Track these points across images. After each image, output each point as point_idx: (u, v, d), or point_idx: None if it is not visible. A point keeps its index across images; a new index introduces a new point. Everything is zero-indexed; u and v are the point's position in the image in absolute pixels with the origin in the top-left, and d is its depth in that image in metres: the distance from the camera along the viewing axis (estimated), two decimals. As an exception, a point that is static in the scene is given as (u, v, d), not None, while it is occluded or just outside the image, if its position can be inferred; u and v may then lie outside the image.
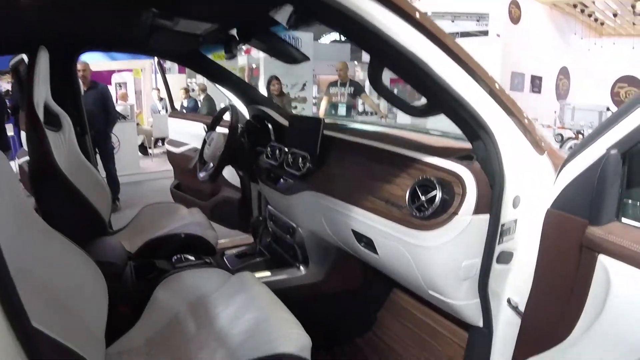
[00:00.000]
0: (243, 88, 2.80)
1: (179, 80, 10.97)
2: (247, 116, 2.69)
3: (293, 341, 1.35)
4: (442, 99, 1.24)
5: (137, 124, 8.82)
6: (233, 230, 3.47)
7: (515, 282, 1.43)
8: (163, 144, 9.08)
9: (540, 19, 11.99)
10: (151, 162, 8.90)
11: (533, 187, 1.37)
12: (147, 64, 11.42)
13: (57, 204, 1.92)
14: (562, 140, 9.95)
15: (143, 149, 9.52)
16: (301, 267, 2.28)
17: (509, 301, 1.46)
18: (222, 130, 2.47)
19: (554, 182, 1.26)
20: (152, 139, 9.53)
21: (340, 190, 1.73)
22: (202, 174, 2.44)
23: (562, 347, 1.24)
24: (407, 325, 2.21)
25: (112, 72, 11.49)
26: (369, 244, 1.63)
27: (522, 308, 1.41)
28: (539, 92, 12.53)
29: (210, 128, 2.55)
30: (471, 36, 12.23)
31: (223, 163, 2.27)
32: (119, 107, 7.73)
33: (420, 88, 1.30)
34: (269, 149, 2.27)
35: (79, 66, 4.91)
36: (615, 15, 11.96)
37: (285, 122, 2.38)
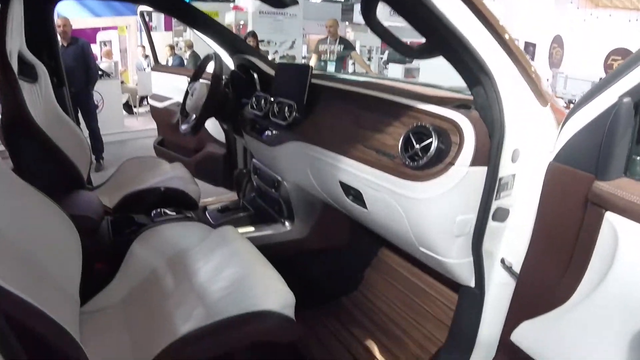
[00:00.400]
0: (228, 37, 2.66)
1: (165, 38, 10.65)
2: (233, 67, 2.56)
3: (276, 298, 1.27)
4: (443, 39, 1.14)
5: (122, 82, 8.59)
6: (218, 188, 3.38)
7: (510, 241, 1.35)
8: (148, 102, 8.87)
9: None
10: (136, 121, 8.71)
11: (533, 141, 1.28)
12: (132, 21, 11.08)
13: (30, 157, 1.81)
14: (555, 110, 9.87)
15: (128, 107, 9.31)
16: (286, 223, 2.20)
17: (502, 261, 1.39)
18: (206, 81, 2.34)
19: (558, 134, 1.17)
20: (137, 97, 9.29)
21: (328, 139, 1.63)
22: (183, 126, 2.32)
23: (560, 312, 1.16)
24: (395, 284, 2.15)
25: (97, 30, 11.17)
26: (357, 197, 1.54)
27: (516, 269, 1.34)
28: (532, 59, 12.39)
29: (193, 79, 2.42)
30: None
31: (205, 114, 2.15)
32: (102, 65, 7.57)
33: (420, 25, 1.20)
34: (253, 99, 2.15)
35: (58, 21, 4.90)
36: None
37: (271, 72, 2.26)
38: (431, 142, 1.24)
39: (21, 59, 1.96)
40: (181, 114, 2.43)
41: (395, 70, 13.83)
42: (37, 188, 1.32)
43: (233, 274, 1.37)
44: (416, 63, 14.27)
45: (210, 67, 2.42)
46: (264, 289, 1.29)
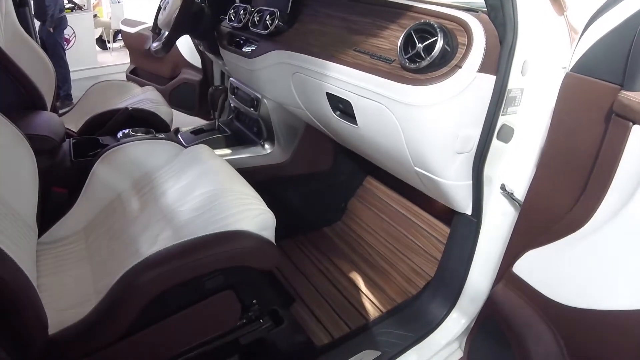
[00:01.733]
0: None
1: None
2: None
3: (253, 218, 1.11)
4: None
5: (95, 16, 8.16)
6: (194, 118, 3.19)
7: (512, 165, 1.24)
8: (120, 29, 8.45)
9: None
10: (110, 56, 8.33)
11: (545, 53, 1.16)
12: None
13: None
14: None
15: (101, 42, 8.88)
16: (266, 145, 2.03)
17: (502, 188, 1.27)
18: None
19: (576, 43, 1.03)
20: (111, 31, 8.86)
21: (314, 47, 1.46)
22: (154, 44, 2.10)
23: (572, 240, 1.03)
24: (381, 215, 2.04)
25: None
26: (345, 111, 1.40)
27: (518, 196, 1.23)
28: None
29: None
30: None
31: (178, 29, 1.93)
32: (72, -2, 7.13)
33: None
34: (232, 10, 1.95)
35: None
36: None
37: None
38: (435, 41, 1.08)
39: None
40: (153, 32, 2.21)
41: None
42: None
43: (205, 193, 1.21)
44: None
45: None
46: (240, 207, 1.13)
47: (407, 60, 1.12)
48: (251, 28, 1.75)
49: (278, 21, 1.62)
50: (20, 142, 1.21)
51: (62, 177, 1.51)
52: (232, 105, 2.18)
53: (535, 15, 1.11)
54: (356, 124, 1.36)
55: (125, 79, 3.70)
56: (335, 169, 2.12)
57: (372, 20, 1.32)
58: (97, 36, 8.37)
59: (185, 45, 2.99)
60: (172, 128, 2.08)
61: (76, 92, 5.36)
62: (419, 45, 1.10)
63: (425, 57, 1.09)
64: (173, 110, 2.33)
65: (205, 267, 1.01)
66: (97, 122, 1.85)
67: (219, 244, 1.03)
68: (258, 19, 1.72)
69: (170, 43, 1.96)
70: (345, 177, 2.14)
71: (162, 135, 1.71)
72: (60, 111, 2.41)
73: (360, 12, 1.39)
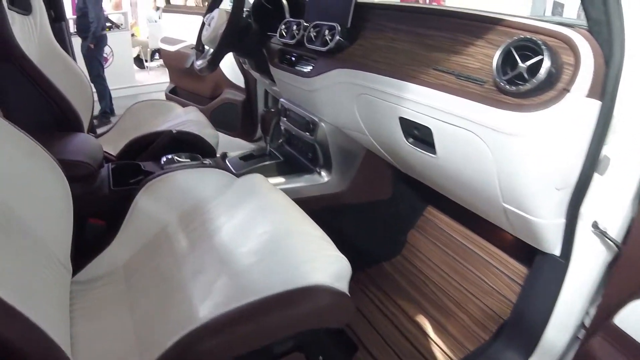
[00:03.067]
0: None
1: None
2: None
3: (327, 267, 0.94)
4: None
5: (132, 35, 8.21)
6: (236, 138, 3.07)
7: (605, 199, 1.05)
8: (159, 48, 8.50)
9: None
10: (148, 75, 8.36)
11: None
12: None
13: (18, 92, 1.51)
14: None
15: (139, 61, 8.94)
16: (322, 173, 1.86)
17: (595, 225, 1.08)
18: (225, 9, 1.99)
19: None
20: (149, 50, 8.92)
21: (383, 64, 1.31)
22: (199, 62, 1.98)
23: None
24: (445, 250, 1.85)
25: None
26: (422, 138, 1.23)
27: (613, 235, 1.05)
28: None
29: (210, 9, 2.06)
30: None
31: (225, 45, 1.80)
32: (112, 17, 7.20)
33: None
34: (283, 26, 1.81)
35: None
36: None
37: None
38: (541, 61, 0.91)
39: None
40: (196, 49, 2.09)
41: None
42: (25, 129, 1.05)
43: (266, 233, 1.04)
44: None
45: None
46: (310, 254, 0.96)
47: (506, 82, 0.95)
48: (307, 44, 1.61)
49: (338, 36, 1.47)
50: (52, 168, 1.08)
51: (99, 208, 1.37)
52: (282, 128, 2.03)
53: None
54: (434, 153, 1.19)
55: (163, 98, 3.63)
56: (395, 198, 1.95)
57: (452, 35, 1.16)
58: (134, 55, 8.43)
59: (227, 63, 2.88)
60: (219, 152, 1.94)
61: (117, 110, 5.46)
62: (522, 65, 0.93)
63: (528, 78, 0.92)
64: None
65: (275, 333, 0.84)
66: (138, 146, 1.72)
67: (292, 305, 0.86)
68: (315, 34, 1.59)
69: (216, 61, 1.83)
70: (404, 206, 1.97)
71: (210, 162, 1.57)
72: (99, 131, 2.31)
73: (434, 26, 1.23)
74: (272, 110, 1.86)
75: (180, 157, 1.51)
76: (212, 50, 2.00)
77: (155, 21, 8.96)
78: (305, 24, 1.67)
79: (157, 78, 7.54)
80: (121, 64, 6.93)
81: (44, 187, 1.05)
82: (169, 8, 3.63)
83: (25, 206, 0.95)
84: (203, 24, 2.05)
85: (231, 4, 2.37)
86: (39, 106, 1.52)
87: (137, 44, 8.82)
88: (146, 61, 9.02)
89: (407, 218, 1.99)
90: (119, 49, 6.90)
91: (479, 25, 1.11)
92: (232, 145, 3.06)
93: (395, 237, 1.95)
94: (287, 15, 1.90)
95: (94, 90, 5.11)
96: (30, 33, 1.79)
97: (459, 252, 1.79)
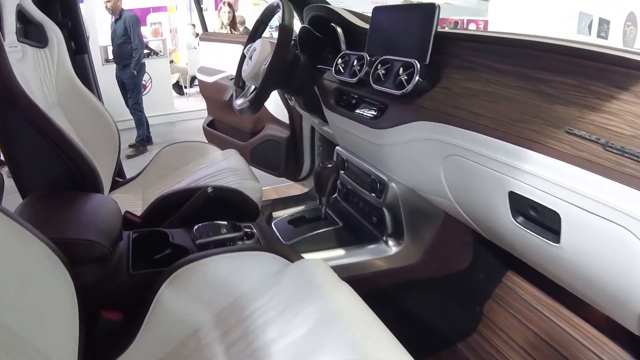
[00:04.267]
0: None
1: (215, 17, 10.16)
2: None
3: None
4: None
5: (171, 62, 8.15)
6: (280, 179, 2.79)
7: None
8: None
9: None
10: (187, 102, 8.26)
11: None
12: (181, 1, 10.66)
13: (21, 145, 1.24)
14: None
15: (178, 88, 8.89)
16: (390, 242, 1.52)
17: None
18: (269, 39, 1.71)
19: None
20: (188, 77, 8.86)
21: (483, 118, 1.00)
22: (239, 101, 1.70)
23: None
24: (528, 325, 1.50)
25: (147, 11, 10.85)
26: (541, 221, 0.91)
27: None
28: (606, 37, 11.36)
29: (251, 39, 1.80)
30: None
31: (270, 82, 1.51)
32: (151, 44, 7.18)
33: None
34: (339, 60, 1.52)
35: None
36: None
37: (364, 24, 1.60)
38: None
39: (23, 16, 1.54)
40: (235, 85, 1.82)
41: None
42: (32, 188, 1.00)
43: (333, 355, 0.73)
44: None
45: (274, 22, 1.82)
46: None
47: None
48: (374, 85, 1.30)
49: (417, 77, 1.16)
50: (47, 256, 0.81)
51: (115, 297, 1.08)
52: (341, 183, 1.73)
53: None
54: (557, 241, 0.87)
55: (201, 126, 3.41)
56: (473, 267, 1.60)
57: (580, 83, 0.85)
58: (173, 82, 8.37)
59: (271, 96, 2.61)
60: (263, 206, 1.64)
61: (155, 138, 5.50)
62: None
63: None
64: (254, 168, 1.94)
65: None
66: (167, 205, 1.43)
67: None
68: (384, 72, 1.27)
69: (259, 101, 1.55)
70: (483, 275, 1.63)
71: (252, 230, 1.26)
72: (130, 162, 2.05)
73: (552, 68, 0.92)
74: (330, 165, 1.53)
75: (215, 231, 1.20)
76: (253, 87, 1.73)
77: (195, 48, 8.94)
78: (370, 58, 1.37)
79: (196, 105, 7.40)
80: (159, 91, 6.87)
81: (38, 282, 0.78)
82: (207, 36, 3.39)
83: (14, 308, 0.70)
84: (243, 57, 1.78)
85: (275, 32, 2.11)
86: (48, 161, 1.26)
87: (176, 71, 8.79)
88: (185, 87, 8.96)
89: (483, 286, 1.64)
90: (157, 76, 6.85)
91: (617, 71, 0.80)
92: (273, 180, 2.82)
93: (470, 310, 1.60)
94: (343, 45, 1.61)
95: (127, 124, 5.08)
96: (46, 69, 1.58)
97: (546, 330, 1.45)
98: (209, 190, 1.37)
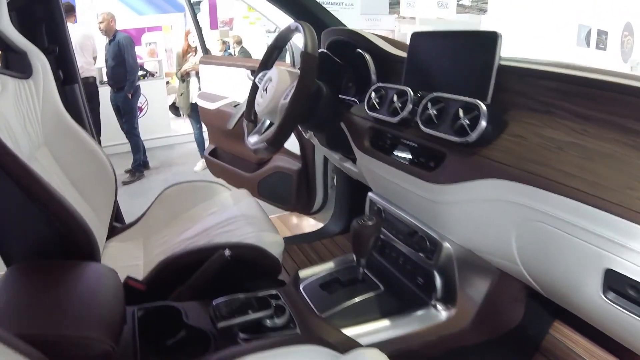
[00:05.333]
0: (312, 10, 1.84)
1: (212, 36, 10.01)
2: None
3: None
4: None
5: (167, 83, 7.96)
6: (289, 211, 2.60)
7: None
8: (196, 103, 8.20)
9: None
10: (184, 123, 8.03)
11: None
12: (176, 19, 10.51)
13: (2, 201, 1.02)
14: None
15: (175, 109, 8.66)
16: (439, 307, 1.31)
17: None
18: (287, 68, 1.51)
19: None
20: (186, 98, 8.68)
21: (579, 179, 0.81)
22: (252, 139, 1.49)
23: None
24: None
25: (142, 31, 10.72)
26: (635, 299, 0.77)
27: None
28: (605, 48, 11.34)
29: (262, 67, 1.59)
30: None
31: (292, 120, 1.30)
32: (147, 65, 6.99)
33: None
34: (373, 93, 1.31)
35: (100, 17, 4.67)
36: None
37: (398, 52, 1.40)
38: None
39: (5, 43, 1.42)
40: (247, 119, 1.61)
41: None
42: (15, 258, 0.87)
43: None
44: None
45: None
46: None
47: None
48: (424, 128, 1.09)
49: (484, 122, 0.95)
50: None
51: None
52: (379, 238, 1.50)
53: None
54: None
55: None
56: (524, 324, 1.39)
57: None
58: (170, 103, 8.18)
59: None
60: (284, 261, 1.42)
61: (152, 162, 5.38)
62: None
63: None
64: (261, 202, 1.75)
65: None
66: (176, 268, 1.21)
67: None
68: (436, 113, 1.07)
69: (280, 140, 1.34)
70: (532, 329, 1.42)
71: (281, 299, 1.05)
72: (126, 189, 1.83)
73: None
74: (371, 223, 1.30)
75: (240, 310, 0.98)
76: (268, 122, 1.53)
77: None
78: (416, 94, 1.17)
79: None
80: (156, 113, 6.69)
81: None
82: (207, 59, 3.18)
83: None
84: (255, 87, 1.58)
85: (292, 59, 1.91)
86: (33, 224, 1.04)
87: (173, 91, 8.58)
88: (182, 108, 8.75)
89: (532, 341, 1.44)
90: (153, 98, 6.66)
91: None
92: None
93: None
94: (374, 76, 1.41)
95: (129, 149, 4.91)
96: (30, 103, 1.38)
97: None
98: (227, 254, 1.15)
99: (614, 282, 0.79)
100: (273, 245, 1.35)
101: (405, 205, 1.37)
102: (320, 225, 2.56)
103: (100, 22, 4.65)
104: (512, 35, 10.42)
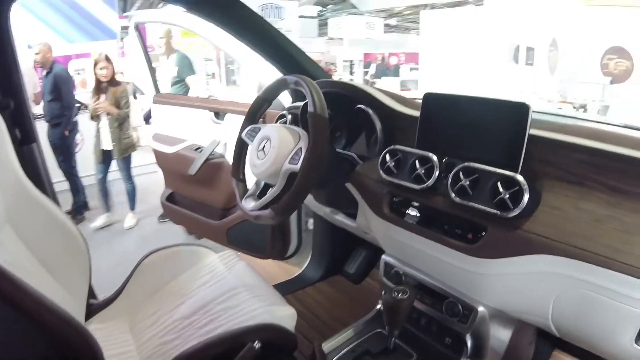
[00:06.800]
0: (300, 60, 1.77)
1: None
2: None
3: None
4: None
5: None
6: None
7: None
8: (152, 146, 7.77)
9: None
10: (120, 157, 7.68)
11: None
12: (107, 47, 10.11)
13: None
14: (564, 115, 9.89)
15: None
16: None
17: None
18: (296, 129, 1.40)
19: None
20: (126, 127, 8.30)
21: (625, 256, 0.86)
22: (248, 204, 1.37)
23: None
24: None
25: (69, 58, 10.21)
26: None
27: None
28: (532, 64, 12.01)
29: (251, 120, 1.49)
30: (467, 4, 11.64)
31: (308, 187, 1.20)
32: (79, 97, 6.62)
33: None
34: (387, 156, 1.25)
35: (37, 48, 4.38)
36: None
37: (407, 110, 1.35)
38: None
39: None
40: (235, 178, 1.49)
41: (389, 84, 13.14)
42: None
43: None
44: (413, 75, 13.60)
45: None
46: None
47: None
48: (456, 199, 1.06)
49: (527, 195, 0.97)
50: None
51: None
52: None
53: None
54: None
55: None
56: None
57: None
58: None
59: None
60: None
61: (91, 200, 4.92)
62: None
63: None
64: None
65: None
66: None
67: None
68: (470, 184, 1.04)
69: (292, 209, 1.24)
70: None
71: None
72: (96, 296, 1.63)
73: None
74: (406, 296, 1.23)
75: None
76: (263, 183, 1.41)
77: (135, 97, 8.32)
78: (439, 159, 1.13)
79: (135, 160, 6.86)
80: (92, 149, 6.34)
81: None
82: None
83: None
84: (241, 143, 1.47)
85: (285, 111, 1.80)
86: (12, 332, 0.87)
87: (107, 123, 8.19)
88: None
89: None
90: (89, 133, 6.29)
91: None
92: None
93: None
94: (380, 134, 1.34)
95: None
96: None
97: None
98: (257, 346, 1.04)
99: None
100: (288, 319, 1.27)
101: (431, 271, 1.33)
102: (293, 268, 2.47)
103: (37, 54, 4.34)
104: (443, 55, 10.81)
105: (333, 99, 1.47)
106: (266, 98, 1.46)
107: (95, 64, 4.23)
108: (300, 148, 1.23)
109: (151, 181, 4.99)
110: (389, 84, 13.09)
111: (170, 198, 2.96)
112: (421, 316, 1.41)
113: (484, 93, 1.16)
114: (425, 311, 1.38)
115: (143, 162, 5.31)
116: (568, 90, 10.73)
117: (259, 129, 1.41)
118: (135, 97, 8.03)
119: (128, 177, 4.55)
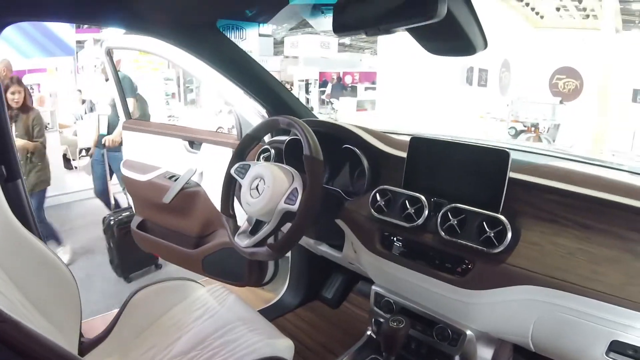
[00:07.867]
0: (285, 98, 1.83)
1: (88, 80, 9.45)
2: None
3: None
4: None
5: (60, 133, 7.47)
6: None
7: None
8: (87, 153, 7.67)
9: (484, 9, 11.74)
10: (78, 177, 7.53)
11: None
12: (64, 63, 9.86)
13: None
14: (516, 133, 10.64)
15: (66, 161, 8.09)
16: None
17: None
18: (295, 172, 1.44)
19: None
20: (77, 149, 8.14)
21: (592, 281, 1.00)
22: (243, 242, 1.42)
23: None
24: None
25: (23, 73, 9.92)
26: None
27: None
28: (485, 85, 12.44)
29: (239, 157, 1.54)
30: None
31: (305, 228, 1.28)
32: (38, 115, 6.46)
33: None
34: (377, 195, 1.34)
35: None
36: (558, 9, 11.97)
37: (393, 151, 1.44)
38: None
39: None
40: (225, 214, 1.54)
41: (346, 105, 13.33)
42: None
43: None
44: (369, 94, 13.84)
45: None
46: None
47: None
48: (446, 236, 1.18)
49: (510, 233, 1.10)
50: None
51: None
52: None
53: None
54: None
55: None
56: None
57: None
58: (62, 153, 7.64)
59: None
60: None
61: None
62: None
63: None
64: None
65: None
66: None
67: None
68: (457, 222, 1.17)
69: (290, 247, 1.31)
70: None
71: None
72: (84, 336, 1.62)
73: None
74: (402, 326, 1.31)
75: None
76: (255, 219, 1.46)
77: (82, 118, 8.18)
78: (428, 198, 1.24)
79: (89, 181, 6.70)
80: (50, 169, 6.17)
81: None
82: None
83: None
84: (230, 179, 1.52)
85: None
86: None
87: (64, 143, 8.02)
88: (74, 160, 8.20)
89: None
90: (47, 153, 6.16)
91: None
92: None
93: None
94: (367, 172, 1.42)
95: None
96: None
97: None
98: None
99: (617, 347, 0.99)
100: (287, 350, 1.34)
101: (422, 300, 1.42)
102: (269, 295, 2.51)
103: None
104: (400, 75, 11.04)
105: (319, 138, 1.55)
106: (255, 137, 1.53)
107: (6, 89, 3.67)
108: (296, 188, 1.29)
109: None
110: (346, 104, 13.29)
111: (141, 226, 2.94)
112: (411, 340, 1.50)
113: (463, 134, 1.26)
114: (416, 336, 1.47)
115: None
116: (520, 110, 11.17)
117: (249, 166, 1.46)
118: (81, 118, 7.87)
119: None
